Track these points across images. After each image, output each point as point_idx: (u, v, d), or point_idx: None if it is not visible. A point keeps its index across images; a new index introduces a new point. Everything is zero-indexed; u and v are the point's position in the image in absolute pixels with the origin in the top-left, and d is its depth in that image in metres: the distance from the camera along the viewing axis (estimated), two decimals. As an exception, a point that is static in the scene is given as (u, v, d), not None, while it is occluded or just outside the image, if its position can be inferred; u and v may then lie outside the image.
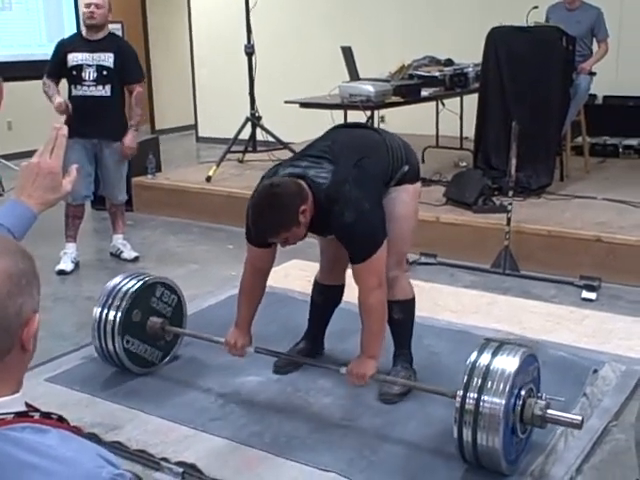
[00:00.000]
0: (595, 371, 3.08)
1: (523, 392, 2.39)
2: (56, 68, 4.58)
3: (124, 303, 3.03)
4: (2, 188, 5.00)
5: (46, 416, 1.06)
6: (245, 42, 6.47)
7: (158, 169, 6.36)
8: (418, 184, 2.95)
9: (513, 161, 4.52)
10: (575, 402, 2.84)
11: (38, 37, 7.00)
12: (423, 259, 4.58)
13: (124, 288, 3.08)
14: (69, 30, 7.07)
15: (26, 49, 6.82)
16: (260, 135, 6.62)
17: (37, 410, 1.07)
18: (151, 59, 10.09)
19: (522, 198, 5.01)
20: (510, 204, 4.46)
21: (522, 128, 4.54)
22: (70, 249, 4.72)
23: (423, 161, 6.24)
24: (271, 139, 6.45)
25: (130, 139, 4.66)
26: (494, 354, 2.40)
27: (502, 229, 4.43)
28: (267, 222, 2.54)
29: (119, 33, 8.28)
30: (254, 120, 6.55)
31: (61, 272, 4.57)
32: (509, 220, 4.42)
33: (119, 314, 3.02)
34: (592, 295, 4.04)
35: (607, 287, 4.14)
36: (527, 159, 4.93)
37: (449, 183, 5.24)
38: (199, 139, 9.58)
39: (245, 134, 6.58)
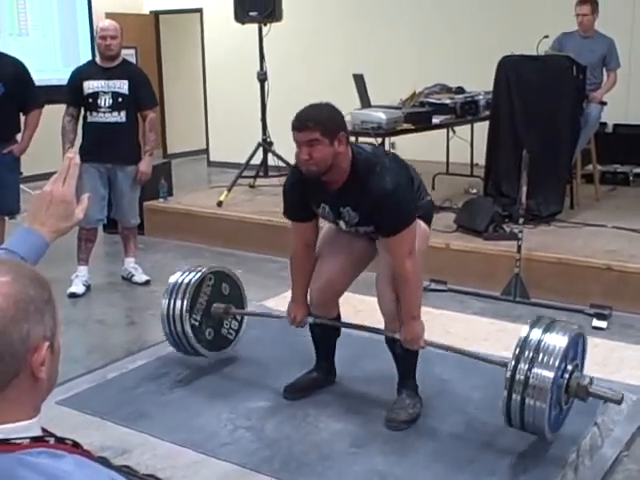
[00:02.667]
0: (606, 400, 3.06)
1: (570, 367, 2.58)
2: (74, 96, 4.64)
3: (187, 294, 3.32)
4: (19, 212, 5.04)
5: (61, 441, 1.08)
6: (258, 69, 6.55)
7: (170, 193, 6.40)
8: (427, 228, 3.00)
9: (524, 189, 4.53)
10: (586, 431, 2.83)
11: (54, 62, 7.09)
12: (433, 286, 4.58)
13: (185, 280, 3.37)
14: (84, 56, 7.15)
15: (42, 74, 6.87)
16: (271, 160, 6.67)
17: (52, 435, 1.09)
18: (164, 84, 10.19)
19: (532, 226, 5.01)
20: (521, 231, 4.46)
21: (532, 156, 4.56)
22: (82, 272, 4.75)
23: (433, 188, 6.27)
24: (282, 164, 6.49)
25: (145, 164, 4.71)
26: (545, 330, 2.57)
27: (512, 256, 4.43)
28: (310, 113, 2.69)
29: (133, 58, 8.40)
30: (266, 146, 6.60)
31: (73, 295, 4.60)
32: (519, 247, 4.42)
33: (185, 302, 3.31)
34: (603, 323, 4.03)
35: (618, 316, 4.12)
36: (537, 187, 4.94)
37: (460, 210, 5.26)
38: (210, 163, 9.65)
39: (256, 159, 6.63)
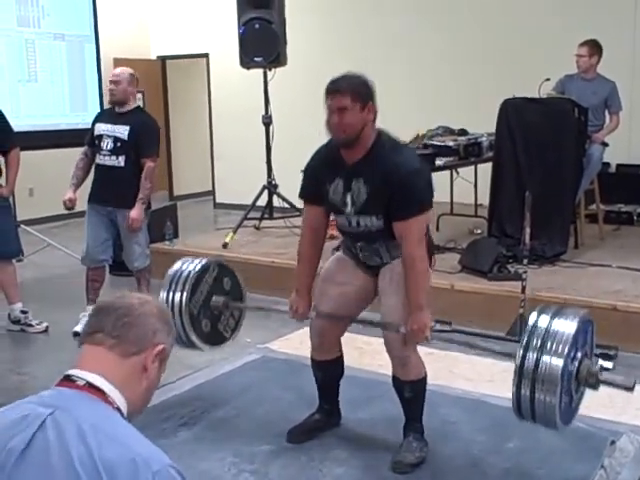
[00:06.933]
0: (612, 442, 3.04)
1: (580, 354, 2.49)
2: (89, 137, 4.76)
3: (187, 286, 3.29)
4: (22, 253, 5.07)
5: None
6: (263, 112, 6.63)
7: (176, 235, 6.43)
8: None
9: (527, 230, 4.54)
10: (594, 474, 2.80)
11: (62, 108, 7.18)
12: (438, 326, 4.56)
13: (185, 273, 3.33)
14: (92, 101, 7.27)
15: (50, 119, 7.01)
16: (277, 202, 6.71)
17: None
18: (171, 127, 10.32)
19: (537, 266, 5.02)
20: (525, 272, 4.46)
21: (536, 197, 4.58)
22: (89, 311, 4.74)
23: (438, 229, 6.29)
24: (288, 206, 6.53)
25: (136, 212, 4.62)
26: (553, 316, 2.48)
27: (517, 297, 4.42)
28: (345, 79, 2.75)
29: (140, 102, 8.51)
30: (271, 188, 6.65)
31: (77, 334, 4.57)
32: (524, 288, 4.42)
33: (184, 294, 3.28)
34: (609, 364, 3.99)
35: (624, 356, 4.10)
36: (541, 227, 4.95)
37: (464, 251, 5.27)
38: (216, 205, 9.71)
39: (262, 201, 6.67)
